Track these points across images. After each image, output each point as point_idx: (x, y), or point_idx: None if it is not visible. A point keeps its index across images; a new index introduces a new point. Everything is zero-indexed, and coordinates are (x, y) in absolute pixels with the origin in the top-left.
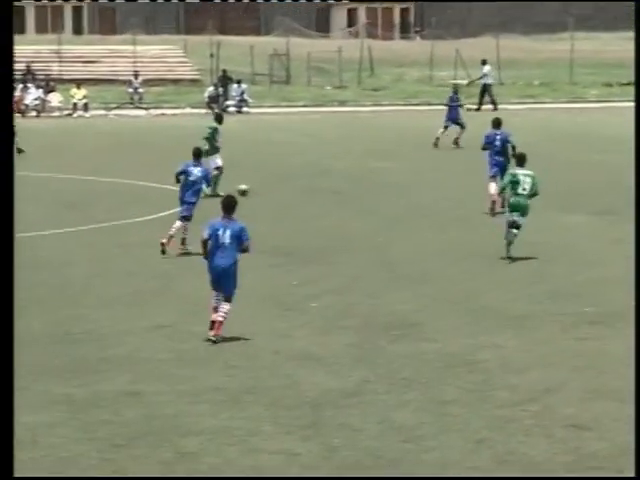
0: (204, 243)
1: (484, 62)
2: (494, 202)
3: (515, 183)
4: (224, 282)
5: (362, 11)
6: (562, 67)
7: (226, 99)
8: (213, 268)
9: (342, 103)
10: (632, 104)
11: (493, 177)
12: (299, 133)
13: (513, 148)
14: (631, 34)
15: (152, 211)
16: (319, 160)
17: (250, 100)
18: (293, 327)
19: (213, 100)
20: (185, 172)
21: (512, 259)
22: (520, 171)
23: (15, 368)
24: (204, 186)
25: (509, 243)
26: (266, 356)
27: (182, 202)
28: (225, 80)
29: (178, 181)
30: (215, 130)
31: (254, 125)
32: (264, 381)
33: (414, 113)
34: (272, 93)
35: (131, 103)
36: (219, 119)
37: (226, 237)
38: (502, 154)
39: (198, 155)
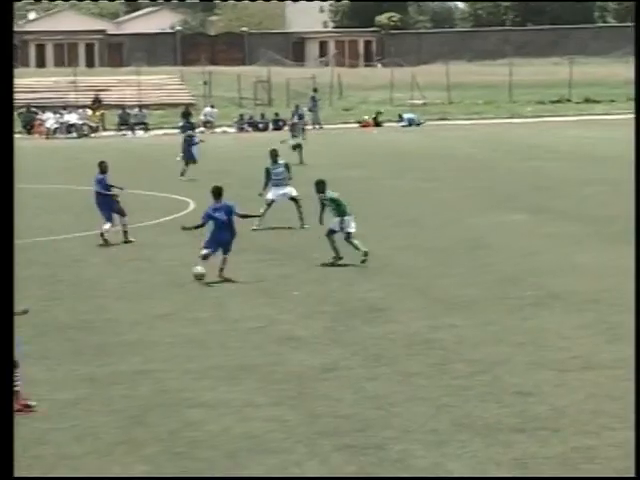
0: (199, 226)
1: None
2: None
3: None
4: (227, 246)
5: (332, 43)
6: (502, 88)
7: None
8: (220, 240)
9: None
10: (561, 118)
11: None
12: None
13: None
14: (557, 59)
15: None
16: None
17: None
18: (279, 313)
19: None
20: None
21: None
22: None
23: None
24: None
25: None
26: (256, 338)
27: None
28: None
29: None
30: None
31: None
32: (255, 359)
33: (381, 129)
34: (256, 114)
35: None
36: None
37: (222, 215)
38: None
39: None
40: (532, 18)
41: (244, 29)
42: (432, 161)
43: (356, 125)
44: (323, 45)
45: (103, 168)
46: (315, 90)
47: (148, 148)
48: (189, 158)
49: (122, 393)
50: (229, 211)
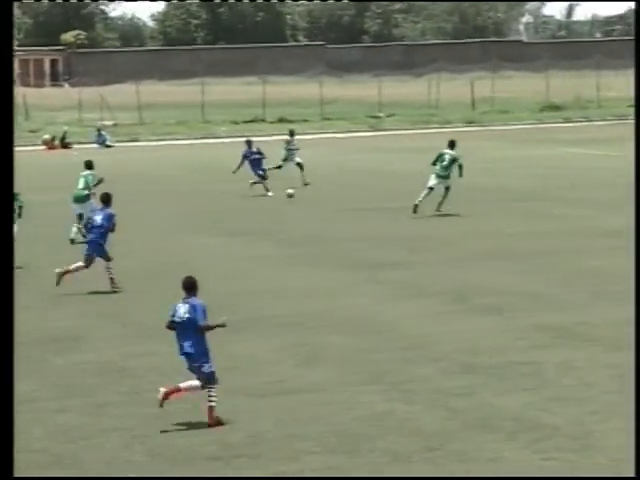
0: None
1: None
2: None
3: None
4: (98, 249)
5: (15, 62)
6: (195, 108)
7: None
8: (90, 241)
9: None
10: (256, 138)
11: None
12: None
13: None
14: (250, 78)
15: None
16: None
17: None
18: None
19: None
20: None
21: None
22: None
23: None
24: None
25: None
26: None
27: None
28: None
29: None
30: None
31: None
32: None
33: (67, 152)
34: None
35: None
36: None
37: (98, 219)
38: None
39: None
40: (223, 37)
41: None
42: (128, 184)
43: (42, 147)
44: None
45: None
46: None
47: None
48: None
49: None
50: (107, 218)
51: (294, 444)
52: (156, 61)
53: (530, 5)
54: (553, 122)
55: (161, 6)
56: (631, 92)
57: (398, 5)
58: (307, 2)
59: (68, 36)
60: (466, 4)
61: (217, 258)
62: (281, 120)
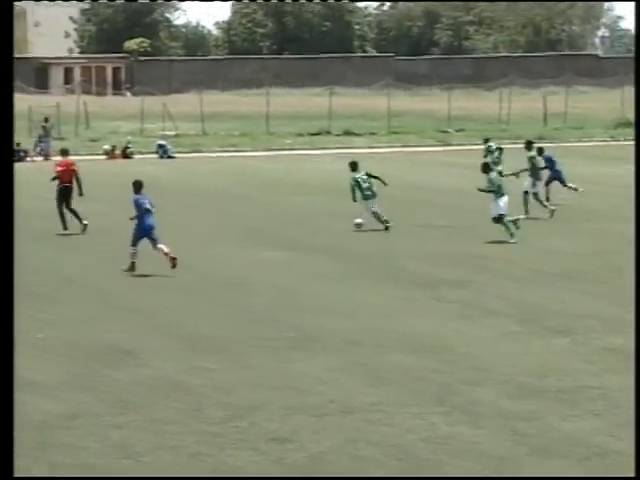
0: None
1: None
2: None
3: None
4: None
5: (77, 69)
6: (259, 119)
7: None
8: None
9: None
10: (320, 151)
11: None
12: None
13: None
14: (316, 90)
15: None
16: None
17: None
18: (17, 356)
19: None
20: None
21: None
22: None
23: None
24: None
25: None
26: None
27: None
28: None
29: None
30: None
31: None
32: None
33: (129, 161)
34: None
35: None
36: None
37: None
38: None
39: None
40: (289, 47)
41: None
42: (185, 195)
43: (104, 157)
44: (68, 71)
45: None
46: (46, 120)
47: None
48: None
49: None
50: None
51: (355, 466)
52: (219, 70)
53: (607, 19)
54: (628, 139)
55: (226, 15)
56: None
57: (469, 17)
58: (377, 12)
59: (132, 44)
60: (539, 17)
61: (278, 273)
62: (347, 133)
